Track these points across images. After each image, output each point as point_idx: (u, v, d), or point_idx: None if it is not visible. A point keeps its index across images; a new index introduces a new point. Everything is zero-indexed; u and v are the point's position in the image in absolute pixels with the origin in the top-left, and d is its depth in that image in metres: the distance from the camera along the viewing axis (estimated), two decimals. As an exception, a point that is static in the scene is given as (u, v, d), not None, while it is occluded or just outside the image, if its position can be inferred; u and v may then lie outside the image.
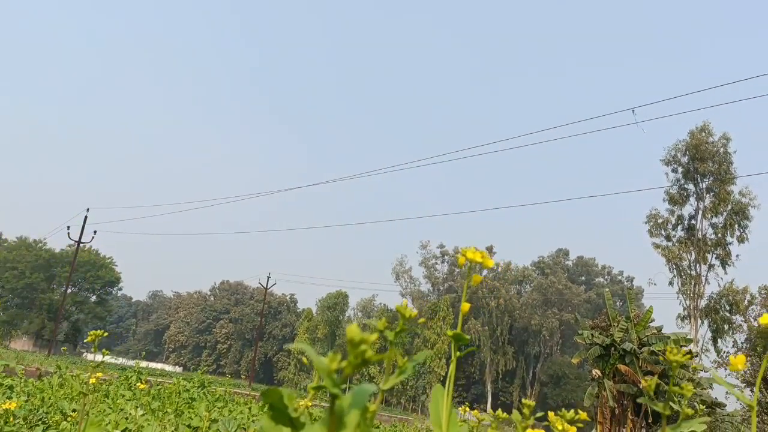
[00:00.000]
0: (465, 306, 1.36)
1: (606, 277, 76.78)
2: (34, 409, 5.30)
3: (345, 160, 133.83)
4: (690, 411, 1.34)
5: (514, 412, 1.81)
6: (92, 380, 4.73)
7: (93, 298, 65.34)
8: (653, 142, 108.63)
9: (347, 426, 0.77)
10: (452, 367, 1.37)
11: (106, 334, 2.53)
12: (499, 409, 1.80)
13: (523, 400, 1.84)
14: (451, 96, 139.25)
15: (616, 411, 28.39)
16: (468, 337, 1.37)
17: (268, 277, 51.24)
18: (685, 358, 1.37)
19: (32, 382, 8.32)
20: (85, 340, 2.47)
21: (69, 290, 49.56)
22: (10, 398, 5.53)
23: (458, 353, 1.41)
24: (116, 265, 67.17)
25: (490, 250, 69.52)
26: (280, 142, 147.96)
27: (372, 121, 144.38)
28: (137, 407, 5.41)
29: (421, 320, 1.87)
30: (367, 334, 0.76)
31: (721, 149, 39.28)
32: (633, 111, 26.41)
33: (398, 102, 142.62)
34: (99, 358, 2.66)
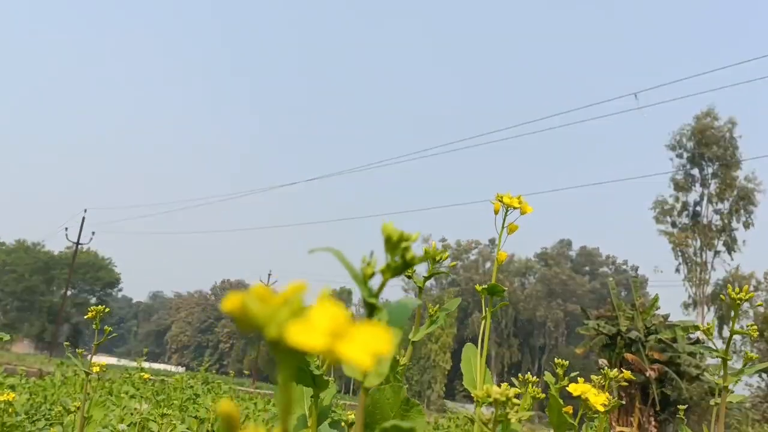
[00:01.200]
0: (502, 255, 1.34)
1: (610, 266, 76.59)
2: (37, 405, 5.19)
3: (344, 154, 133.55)
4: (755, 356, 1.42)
5: (547, 373, 1.67)
6: (95, 369, 4.44)
7: (93, 300, 65.07)
8: (659, 127, 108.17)
9: (390, 343, 0.61)
10: (487, 323, 1.37)
11: (108, 309, 2.23)
12: (528, 373, 1.71)
13: (557, 360, 1.71)
14: (451, 86, 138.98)
15: (624, 400, 28.18)
16: (504, 287, 1.33)
17: (269, 275, 50.88)
18: (751, 295, 1.39)
19: (34, 381, 8.10)
20: (85, 317, 2.19)
21: (69, 292, 49.32)
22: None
23: (491, 309, 1.38)
24: (115, 266, 67.14)
25: (492, 242, 69.36)
26: (280, 137, 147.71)
27: (371, 114, 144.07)
28: (141, 400, 5.46)
29: (453, 264, 1.78)
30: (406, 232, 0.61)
31: (727, 134, 38.99)
32: (636, 96, 26.17)
33: (395, 95, 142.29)
34: (98, 355, 2.29)
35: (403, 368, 1.15)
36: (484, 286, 1.30)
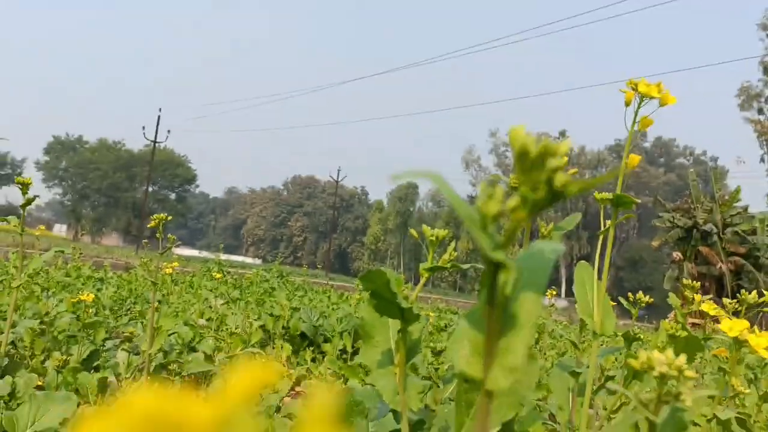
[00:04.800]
0: (634, 158, 1.09)
1: (688, 157, 73.42)
2: (122, 299, 5.46)
3: (411, 47, 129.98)
4: None
5: (672, 296, 1.47)
6: (168, 270, 4.59)
7: (173, 196, 67.69)
8: (746, 8, 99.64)
9: (522, 324, 0.42)
10: (610, 238, 1.15)
11: (170, 217, 2.36)
12: (640, 293, 1.54)
13: (684, 281, 1.50)
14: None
15: (699, 293, 27.82)
16: (636, 200, 1.11)
17: (339, 170, 51.46)
18: None
19: (120, 275, 8.60)
20: (148, 225, 2.33)
21: (150, 189, 51.49)
22: (99, 290, 5.65)
23: (614, 221, 1.17)
24: (192, 163, 69.11)
25: (563, 134, 67.41)
26: (349, 30, 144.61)
27: (435, 6, 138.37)
28: (217, 297, 5.57)
29: (574, 170, 1.45)
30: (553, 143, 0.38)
31: (822, 13, 35.80)
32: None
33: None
34: (172, 246, 2.47)
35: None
36: (607, 196, 1.09)
